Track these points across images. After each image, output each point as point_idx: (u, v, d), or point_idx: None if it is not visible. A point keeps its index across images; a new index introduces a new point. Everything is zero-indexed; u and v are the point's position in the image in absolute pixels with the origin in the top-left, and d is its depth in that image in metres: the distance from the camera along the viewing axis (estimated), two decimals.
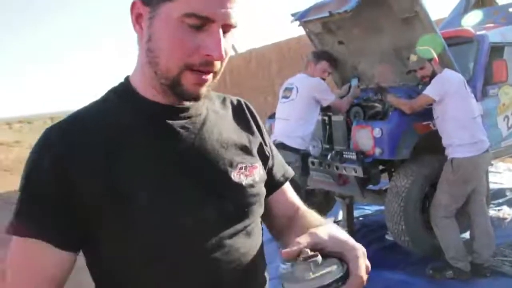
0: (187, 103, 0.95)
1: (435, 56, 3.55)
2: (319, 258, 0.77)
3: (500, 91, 4.40)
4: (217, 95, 1.11)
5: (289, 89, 4.04)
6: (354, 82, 4.38)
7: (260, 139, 1.09)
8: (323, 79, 3.98)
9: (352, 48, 4.74)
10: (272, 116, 4.43)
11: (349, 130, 3.99)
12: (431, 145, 3.79)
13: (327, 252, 0.80)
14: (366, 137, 3.71)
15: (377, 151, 3.61)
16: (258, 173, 1.02)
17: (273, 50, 10.42)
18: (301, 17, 4.56)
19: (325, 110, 4.18)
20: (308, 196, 4.91)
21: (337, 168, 3.93)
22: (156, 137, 0.92)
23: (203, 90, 0.91)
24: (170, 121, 0.93)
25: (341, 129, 4.13)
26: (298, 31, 5.05)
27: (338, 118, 4.16)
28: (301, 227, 0.99)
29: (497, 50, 4.44)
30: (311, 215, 1.09)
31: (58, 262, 0.83)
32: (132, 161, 0.87)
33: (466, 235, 3.79)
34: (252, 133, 1.08)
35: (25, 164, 0.87)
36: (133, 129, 0.91)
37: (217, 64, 0.88)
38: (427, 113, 3.62)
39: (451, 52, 4.09)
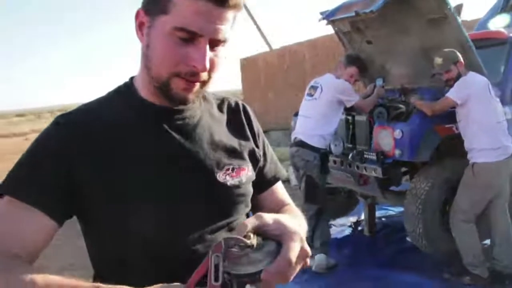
0: (181, 106, 1.03)
1: (461, 58, 3.49)
2: (255, 243, 0.80)
3: None
4: (216, 97, 1.18)
5: (314, 88, 4.08)
6: (379, 82, 4.36)
7: (252, 142, 1.15)
8: (348, 81, 3.99)
9: (380, 47, 4.71)
10: (297, 114, 4.47)
11: (371, 130, 3.98)
12: (454, 149, 3.74)
13: (270, 235, 0.84)
14: (386, 138, 3.70)
15: (397, 152, 3.60)
16: (246, 175, 1.08)
17: (306, 47, 10.42)
18: (329, 16, 4.56)
19: (349, 109, 4.19)
20: (332, 195, 4.95)
21: (357, 167, 3.94)
22: (149, 136, 1.00)
23: (191, 95, 0.99)
24: (164, 122, 1.02)
25: (363, 129, 4.13)
26: (332, 29, 5.04)
27: (361, 118, 4.16)
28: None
29: None
30: (290, 212, 1.15)
31: (42, 228, 0.90)
32: (125, 157, 0.97)
33: (488, 241, 3.73)
34: (244, 136, 1.14)
35: (34, 140, 0.99)
36: (130, 127, 1.00)
37: (204, 75, 0.96)
38: (450, 115, 3.57)
39: (482, 54, 4.02)
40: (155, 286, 0.79)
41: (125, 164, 0.96)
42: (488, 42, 4.42)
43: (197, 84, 0.97)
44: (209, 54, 0.93)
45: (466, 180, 3.43)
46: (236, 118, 1.16)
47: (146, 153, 0.98)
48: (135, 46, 1.05)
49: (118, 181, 0.94)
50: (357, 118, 4.21)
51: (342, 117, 4.20)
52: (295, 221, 0.94)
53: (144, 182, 0.96)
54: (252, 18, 11.96)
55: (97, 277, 1.00)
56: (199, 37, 0.91)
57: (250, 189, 1.11)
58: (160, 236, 0.95)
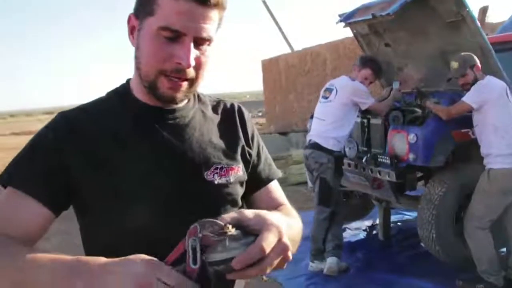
0: (173, 105, 1.07)
1: (478, 62, 3.44)
2: (232, 233, 0.80)
3: None
4: (213, 99, 1.22)
5: (329, 90, 4.07)
6: (396, 85, 4.33)
7: (243, 143, 1.18)
8: (363, 83, 3.97)
9: (398, 50, 4.69)
10: (313, 116, 4.46)
11: (386, 134, 3.95)
12: (470, 154, 3.69)
13: (251, 230, 0.84)
14: (401, 142, 3.67)
15: (411, 156, 3.57)
16: (235, 175, 1.11)
17: (328, 49, 10.38)
18: (346, 19, 4.55)
19: (365, 112, 4.16)
20: (347, 198, 4.93)
21: (371, 171, 3.91)
22: (141, 135, 1.05)
23: (179, 95, 1.03)
24: (156, 121, 1.06)
25: (379, 133, 4.09)
26: (350, 31, 5.03)
27: (376, 121, 4.13)
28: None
29: None
30: (285, 211, 1.16)
31: (37, 217, 0.96)
32: (118, 155, 1.01)
33: (505, 249, 3.66)
34: (236, 137, 1.17)
35: (35, 133, 1.05)
36: (124, 126, 1.05)
37: (190, 72, 0.99)
38: (466, 120, 3.52)
39: (503, 57, 3.94)
40: (132, 256, 0.82)
41: (118, 162, 1.01)
42: (508, 45, 4.33)
43: (184, 83, 1.01)
44: (194, 52, 0.97)
45: (482, 186, 3.37)
46: (230, 119, 1.19)
47: (138, 152, 1.03)
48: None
49: (111, 178, 0.99)
50: (373, 121, 4.18)
51: (357, 120, 4.18)
52: (282, 217, 0.95)
53: (135, 180, 1.00)
54: (274, 19, 11.97)
55: None
56: (183, 35, 0.95)
57: (238, 189, 1.13)
58: (148, 232, 0.98)
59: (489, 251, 3.40)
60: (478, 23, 3.77)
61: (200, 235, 0.80)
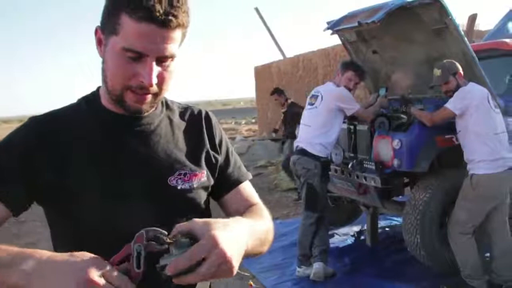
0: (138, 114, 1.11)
1: (460, 69, 3.49)
2: (180, 241, 0.86)
3: None
4: (181, 106, 1.25)
5: (314, 97, 4.11)
6: (382, 91, 4.38)
7: (209, 149, 1.21)
8: (349, 89, 4.01)
9: (385, 57, 4.74)
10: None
11: (372, 140, 3.99)
12: (454, 160, 3.73)
13: (199, 238, 0.88)
14: (385, 147, 3.71)
15: (396, 162, 3.60)
16: (198, 180, 1.15)
17: (319, 56, 10.45)
18: (334, 26, 4.60)
19: (351, 119, 4.20)
20: (335, 204, 4.97)
21: (357, 177, 3.95)
22: (107, 142, 1.09)
23: (145, 106, 1.07)
24: (122, 128, 1.10)
25: (365, 139, 4.13)
26: (338, 38, 5.09)
27: (363, 128, 4.17)
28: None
29: None
30: (255, 213, 1.20)
31: None
32: (82, 160, 1.05)
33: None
34: (201, 143, 1.21)
35: (6, 136, 1.09)
36: (90, 132, 1.09)
37: (153, 88, 1.04)
38: (450, 126, 3.56)
39: (487, 64, 4.00)
40: (78, 252, 0.86)
41: (81, 167, 1.05)
42: (493, 53, 4.40)
43: (149, 96, 1.05)
44: (156, 69, 1.01)
45: (465, 192, 3.41)
46: (196, 125, 1.23)
47: (104, 157, 1.07)
48: None
49: (75, 182, 1.03)
50: (359, 127, 4.22)
51: (344, 126, 4.22)
52: (241, 221, 1.01)
53: (99, 184, 1.04)
54: (266, 26, 12.04)
55: None
56: (145, 56, 0.99)
57: (201, 194, 1.17)
58: (111, 235, 1.00)
59: (473, 256, 3.44)
60: (461, 31, 3.83)
61: (145, 242, 0.85)
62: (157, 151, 1.12)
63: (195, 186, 1.14)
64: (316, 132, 3.87)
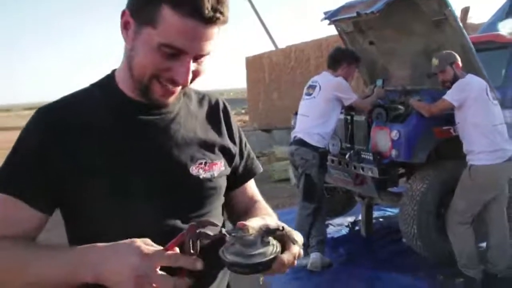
0: None
1: (458, 60, 3.49)
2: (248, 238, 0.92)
3: None
4: (197, 93, 1.22)
5: (312, 87, 4.09)
6: (379, 82, 4.37)
7: (227, 139, 1.19)
8: (346, 79, 4.00)
9: (382, 48, 4.73)
10: (297, 113, 4.48)
11: (369, 130, 3.98)
12: (451, 151, 3.75)
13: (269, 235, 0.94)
14: (384, 138, 3.71)
15: (394, 153, 3.61)
16: (218, 169, 1.13)
17: (312, 47, 10.43)
18: (331, 16, 4.57)
19: (348, 109, 4.20)
20: (330, 194, 4.97)
21: (355, 167, 3.95)
22: (126, 131, 1.04)
23: (171, 99, 1.04)
24: (141, 116, 1.06)
25: (362, 129, 4.13)
26: (335, 29, 5.07)
27: (360, 118, 4.17)
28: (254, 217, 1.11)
29: None
30: (264, 210, 1.21)
31: (30, 219, 0.97)
32: (102, 151, 1.01)
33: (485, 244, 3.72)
34: (220, 133, 1.18)
35: (18, 135, 1.03)
36: (108, 121, 1.04)
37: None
38: (448, 118, 3.57)
39: (484, 56, 4.01)
40: (126, 241, 0.88)
41: (102, 158, 1.00)
42: (490, 45, 4.41)
43: (178, 89, 1.02)
44: (192, 67, 0.97)
45: (464, 182, 3.43)
46: (214, 115, 1.20)
47: (123, 147, 1.02)
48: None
49: (95, 175, 0.98)
50: (356, 118, 4.22)
51: (341, 117, 4.21)
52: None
53: (121, 176, 1.00)
54: (258, 16, 11.98)
55: None
56: (184, 53, 0.94)
57: (222, 183, 1.15)
58: (135, 227, 0.98)
59: (470, 246, 3.47)
60: (460, 22, 3.82)
61: (199, 230, 0.90)
62: (177, 140, 1.08)
63: (216, 175, 1.12)
64: (314, 122, 3.86)
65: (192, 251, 0.88)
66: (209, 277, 1.10)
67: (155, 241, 0.97)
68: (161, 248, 0.87)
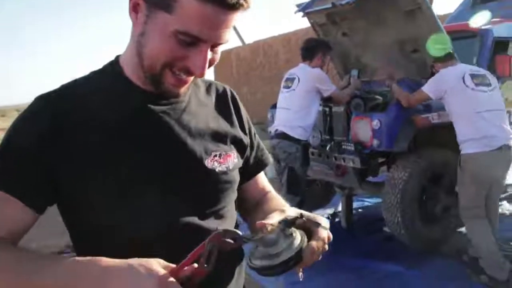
0: None
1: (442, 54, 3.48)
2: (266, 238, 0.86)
3: (503, 86, 4.36)
4: (204, 81, 1.14)
5: (290, 80, 4.06)
6: (354, 73, 4.39)
7: (238, 129, 1.13)
8: (321, 68, 4.00)
9: (355, 40, 4.74)
10: (274, 106, 4.45)
11: (349, 121, 4.00)
12: (431, 139, 3.80)
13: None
14: (364, 128, 3.72)
15: (375, 142, 3.63)
16: (232, 161, 1.06)
17: (280, 41, 10.43)
18: (305, 8, 4.57)
19: (326, 101, 4.19)
20: (309, 187, 4.96)
21: (335, 158, 3.96)
22: (135, 121, 0.96)
23: (183, 90, 0.97)
24: (150, 106, 0.97)
25: (341, 120, 4.14)
26: (306, 22, 5.06)
27: (338, 109, 4.17)
28: (266, 210, 1.06)
29: (502, 45, 4.39)
30: (276, 200, 1.16)
31: (20, 217, 0.88)
32: (109, 143, 0.92)
33: None
34: (231, 122, 1.12)
35: (10, 126, 0.93)
36: (116, 112, 0.95)
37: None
38: (427, 106, 3.62)
39: (455, 45, 4.07)
40: (136, 262, 0.78)
41: (109, 151, 0.92)
42: (459, 34, 4.49)
43: (190, 78, 0.95)
44: (209, 55, 0.90)
45: (458, 176, 3.35)
46: (223, 104, 1.13)
47: (133, 139, 0.94)
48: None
49: (103, 169, 0.91)
50: (334, 109, 4.22)
51: (319, 109, 4.20)
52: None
53: (131, 169, 0.92)
54: None
55: None
56: (202, 42, 0.87)
57: (236, 176, 1.09)
58: (147, 223, 0.92)
59: (486, 242, 3.26)
60: (434, 12, 3.87)
61: (221, 240, 0.82)
62: (190, 131, 1.01)
63: (230, 167, 1.05)
64: (296, 115, 3.83)
65: (206, 264, 0.80)
66: (224, 280, 1.04)
67: (170, 239, 0.92)
68: (176, 265, 0.79)
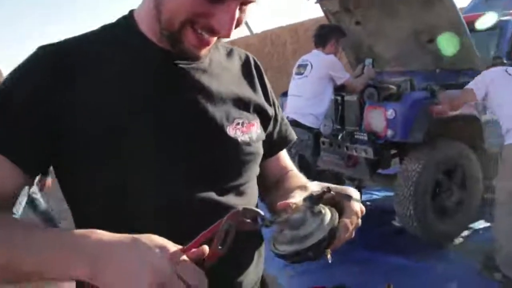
0: None
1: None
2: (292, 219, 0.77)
3: None
4: (224, 46, 1.03)
5: (303, 66, 3.97)
6: (368, 62, 4.27)
7: (263, 98, 1.03)
8: (335, 55, 3.89)
9: (369, 29, 4.64)
10: (285, 94, 4.36)
11: (362, 111, 3.90)
12: (446, 131, 3.70)
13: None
14: (378, 118, 3.62)
15: (389, 132, 3.53)
16: (256, 132, 0.96)
17: (288, 31, 10.32)
18: None
19: (338, 89, 4.08)
20: (318, 178, 4.87)
21: (347, 148, 3.86)
22: (149, 80, 0.86)
23: (204, 52, 0.85)
24: (167, 65, 0.87)
25: (353, 110, 4.04)
26: (314, 13, 4.96)
27: (351, 98, 4.07)
28: (287, 187, 0.97)
29: None
30: (298, 177, 1.06)
31: (11, 179, 0.78)
32: (120, 102, 0.82)
33: None
34: (254, 90, 1.01)
35: (6, 77, 0.82)
36: (126, 66, 0.85)
37: None
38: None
39: (472, 37, 3.96)
40: (143, 236, 0.68)
41: (120, 110, 0.81)
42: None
43: (214, 39, 0.84)
44: (236, 18, 0.79)
45: (499, 167, 3.16)
46: (246, 70, 1.03)
47: (147, 99, 0.84)
48: None
49: (112, 131, 0.80)
50: (347, 98, 4.12)
51: (331, 97, 4.10)
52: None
53: (144, 133, 0.82)
54: None
55: None
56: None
57: (260, 149, 0.98)
58: (160, 195, 0.82)
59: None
60: (454, 1, 3.76)
61: (239, 219, 0.72)
62: (211, 94, 0.90)
63: (254, 138, 0.94)
64: (308, 102, 3.74)
65: (220, 246, 0.70)
66: (242, 265, 0.94)
67: (182, 216, 0.82)
68: (183, 246, 0.69)
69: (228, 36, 0.80)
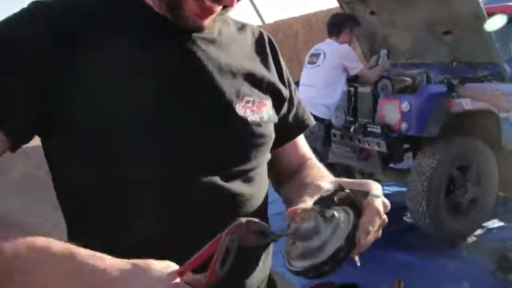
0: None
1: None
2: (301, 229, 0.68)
3: None
4: (235, 21, 0.94)
5: (316, 55, 3.87)
6: (383, 52, 4.16)
7: (277, 78, 0.93)
8: (349, 44, 3.78)
9: (384, 19, 4.51)
10: (297, 84, 4.25)
11: (375, 102, 3.79)
12: (462, 126, 3.58)
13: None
14: (393, 110, 3.51)
15: (404, 126, 3.42)
16: (267, 112, 0.87)
17: (300, 22, 10.22)
18: None
19: (352, 80, 3.97)
20: (329, 170, 4.77)
21: (359, 141, 3.77)
22: (151, 49, 0.76)
23: (207, 22, 0.77)
24: (170, 33, 0.78)
25: (367, 101, 3.92)
26: (327, 4, 4.86)
27: (364, 90, 3.96)
28: (302, 180, 0.89)
29: None
30: (317, 169, 0.96)
31: None
32: (118, 74, 0.73)
33: None
34: (268, 68, 0.92)
35: None
36: (128, 35, 0.76)
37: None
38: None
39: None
40: (142, 262, 0.61)
41: (118, 83, 0.72)
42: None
43: (219, 8, 0.75)
44: None
45: None
46: (260, 46, 0.94)
47: (149, 70, 0.75)
48: None
49: (110, 106, 0.71)
50: (360, 89, 4.00)
51: (344, 88, 4.00)
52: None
53: (143, 108, 0.72)
54: None
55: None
56: None
57: (271, 131, 0.89)
58: (160, 178, 0.74)
59: None
60: None
61: (243, 233, 0.62)
62: (219, 67, 0.81)
63: (265, 118, 0.85)
64: (321, 92, 3.64)
65: (219, 267, 0.61)
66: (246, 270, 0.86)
67: (184, 203, 0.74)
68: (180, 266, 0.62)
69: (232, 3, 0.73)
